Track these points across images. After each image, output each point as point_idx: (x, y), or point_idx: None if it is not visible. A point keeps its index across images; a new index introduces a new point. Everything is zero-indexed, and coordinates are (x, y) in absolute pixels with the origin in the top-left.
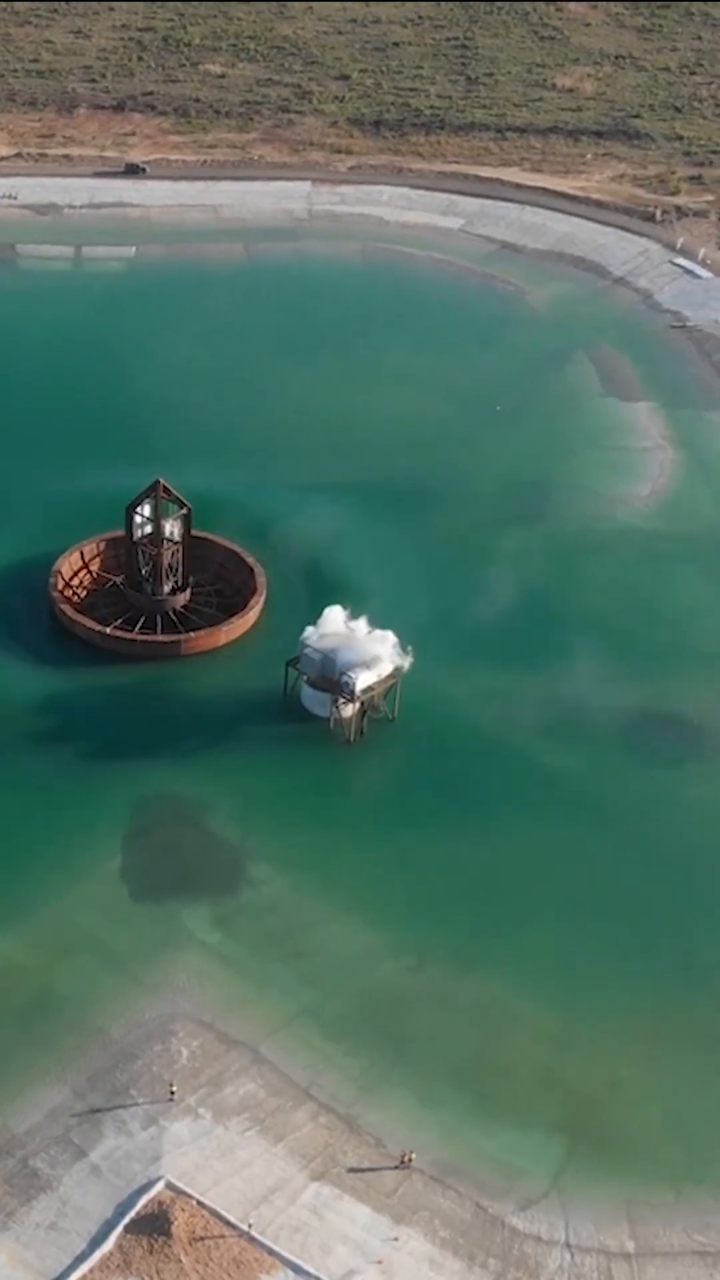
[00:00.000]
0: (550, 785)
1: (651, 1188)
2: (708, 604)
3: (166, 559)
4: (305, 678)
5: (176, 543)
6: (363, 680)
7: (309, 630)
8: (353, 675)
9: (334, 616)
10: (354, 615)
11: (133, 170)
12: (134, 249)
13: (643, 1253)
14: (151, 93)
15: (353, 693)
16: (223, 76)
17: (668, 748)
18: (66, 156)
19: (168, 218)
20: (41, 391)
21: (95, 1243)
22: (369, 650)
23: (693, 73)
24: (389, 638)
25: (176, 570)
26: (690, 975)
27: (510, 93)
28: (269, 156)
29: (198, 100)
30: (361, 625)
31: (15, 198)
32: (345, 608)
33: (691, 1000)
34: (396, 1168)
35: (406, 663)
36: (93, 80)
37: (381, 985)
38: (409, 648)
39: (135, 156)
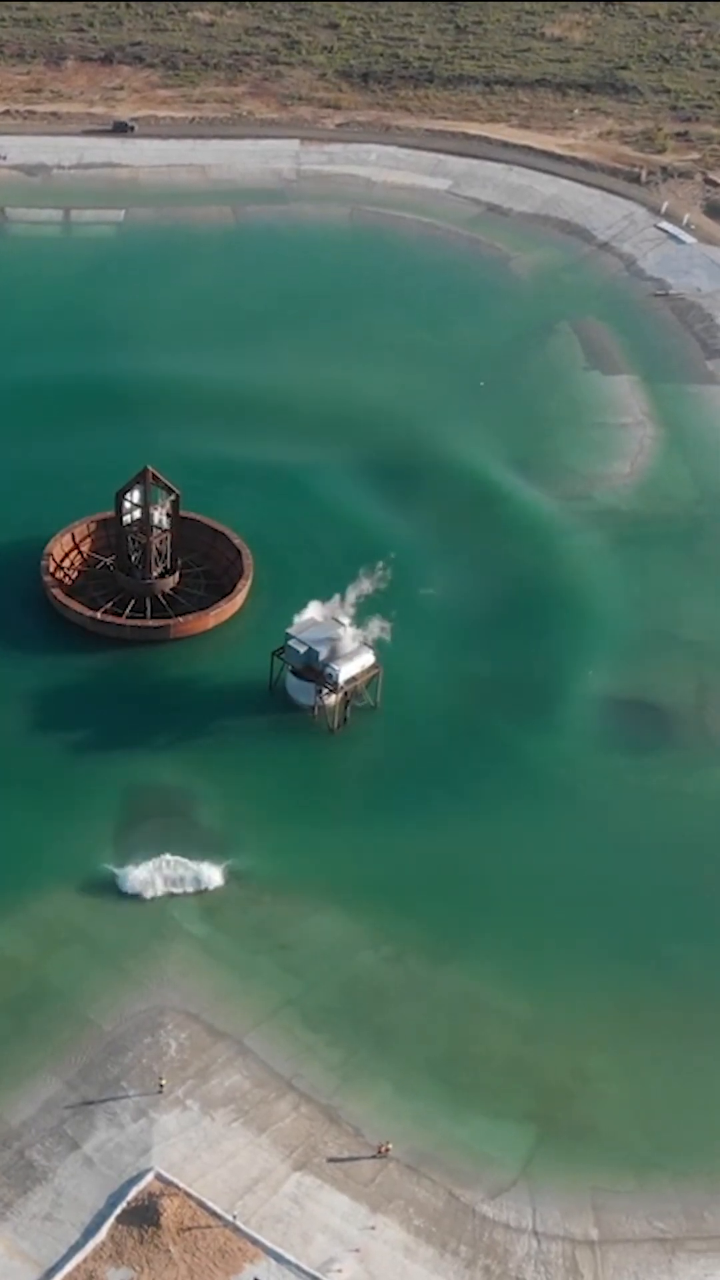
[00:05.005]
0: (527, 773)
1: (615, 1175)
2: (684, 588)
3: (155, 545)
4: (290, 668)
5: (166, 531)
6: (345, 671)
7: (298, 616)
8: (336, 666)
9: (314, 610)
10: (333, 604)
11: (121, 128)
12: (123, 212)
13: (606, 1240)
14: (140, 43)
15: (336, 683)
16: (211, 25)
17: (643, 736)
18: (55, 114)
19: (156, 178)
20: (32, 366)
21: (89, 1233)
22: (352, 642)
23: (681, 20)
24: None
25: (165, 555)
26: (657, 966)
27: (499, 42)
28: (257, 112)
29: (186, 51)
30: (343, 618)
31: (5, 158)
32: (324, 602)
33: (658, 990)
34: (374, 1157)
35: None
36: (80, 30)
37: (362, 976)
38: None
39: (123, 113)
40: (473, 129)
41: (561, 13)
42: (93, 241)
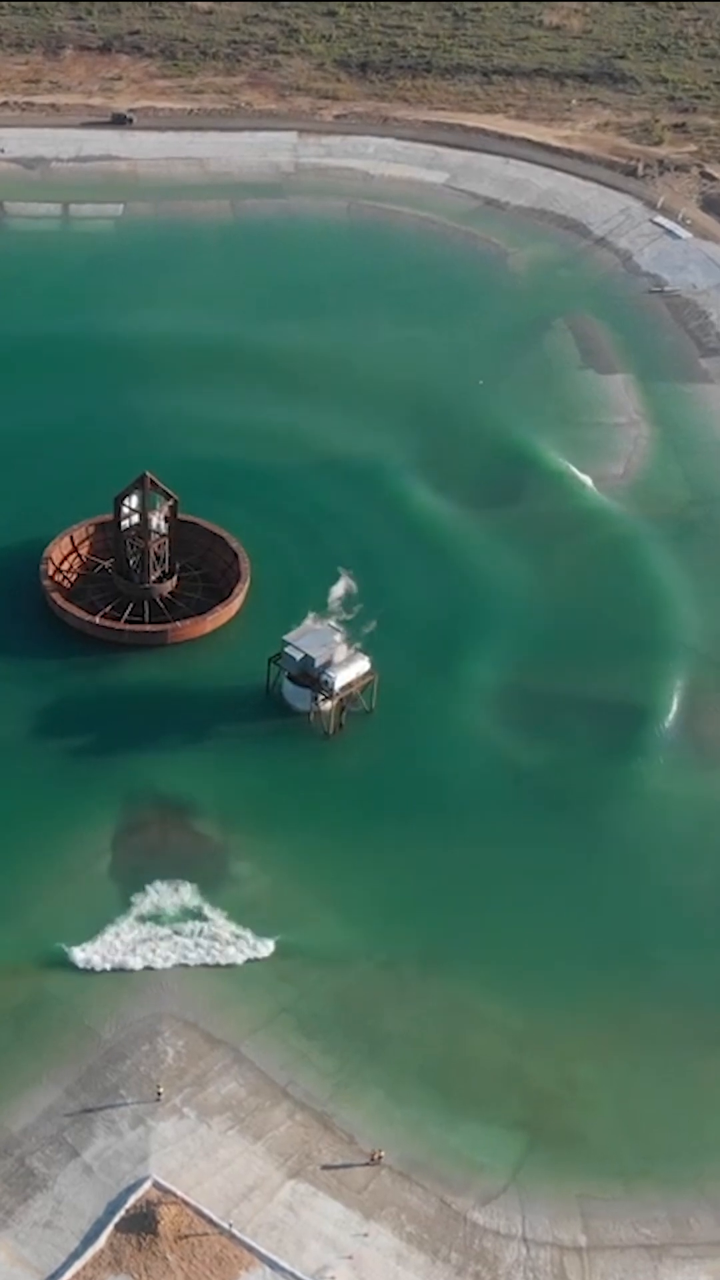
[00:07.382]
0: (518, 779)
1: (602, 1182)
2: (677, 591)
3: (153, 549)
4: (286, 674)
5: (164, 535)
6: (342, 677)
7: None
8: (332, 673)
9: (312, 622)
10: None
11: (120, 120)
12: (122, 206)
13: (593, 1246)
14: (138, 32)
15: (332, 690)
16: (210, 13)
17: (633, 741)
18: (54, 105)
19: (155, 172)
20: (35, 367)
21: (88, 1241)
22: (347, 650)
23: (680, 8)
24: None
25: (163, 559)
26: (645, 974)
27: (497, 30)
28: (255, 103)
29: (185, 40)
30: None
31: (4, 151)
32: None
33: (647, 998)
34: (367, 1165)
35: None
36: (79, 17)
37: (356, 984)
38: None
39: (122, 104)
40: (470, 120)
41: None
42: (92, 236)
